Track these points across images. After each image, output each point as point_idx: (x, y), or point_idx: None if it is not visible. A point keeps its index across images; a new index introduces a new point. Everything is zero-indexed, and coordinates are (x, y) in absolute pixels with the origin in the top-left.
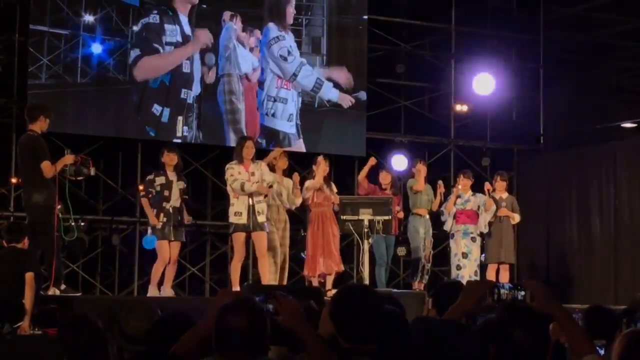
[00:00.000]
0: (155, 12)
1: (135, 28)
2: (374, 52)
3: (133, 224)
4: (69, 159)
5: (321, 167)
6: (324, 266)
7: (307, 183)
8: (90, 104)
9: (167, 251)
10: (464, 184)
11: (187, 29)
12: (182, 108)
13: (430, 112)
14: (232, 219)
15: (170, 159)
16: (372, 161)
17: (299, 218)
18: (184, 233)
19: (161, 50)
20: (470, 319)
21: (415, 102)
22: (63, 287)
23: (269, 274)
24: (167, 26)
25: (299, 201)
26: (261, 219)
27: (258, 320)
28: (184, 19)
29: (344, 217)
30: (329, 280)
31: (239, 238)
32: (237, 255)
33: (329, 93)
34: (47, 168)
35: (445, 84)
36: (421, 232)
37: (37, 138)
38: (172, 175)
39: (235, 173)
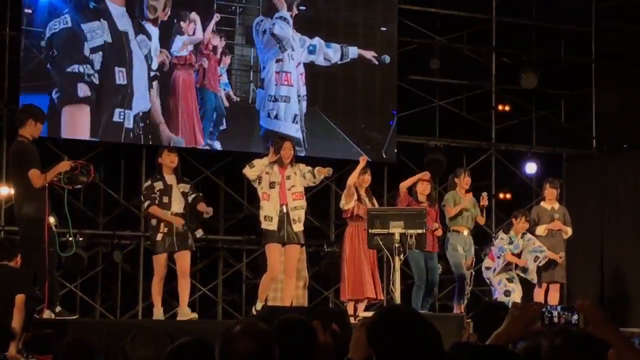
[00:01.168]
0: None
1: (43, 44)
2: (405, 46)
3: (137, 239)
4: (63, 166)
5: (365, 177)
6: (370, 290)
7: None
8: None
9: (164, 266)
10: (521, 226)
11: (123, 24)
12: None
13: (468, 113)
14: (263, 224)
15: (170, 160)
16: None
17: (319, 230)
18: (191, 241)
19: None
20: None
21: (452, 102)
22: (58, 309)
23: (299, 296)
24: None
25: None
26: (297, 227)
27: (266, 345)
28: (116, 10)
29: (372, 231)
30: (361, 306)
31: (273, 250)
32: (270, 271)
33: (350, 52)
34: (35, 177)
35: (485, 81)
36: (460, 250)
37: (25, 144)
38: (170, 179)
39: (263, 168)
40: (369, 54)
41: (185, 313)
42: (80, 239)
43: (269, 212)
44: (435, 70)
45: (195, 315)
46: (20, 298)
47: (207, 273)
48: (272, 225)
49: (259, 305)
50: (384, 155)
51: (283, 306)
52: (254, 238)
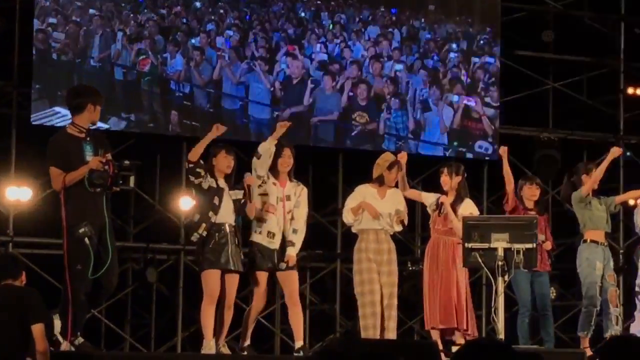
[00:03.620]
0: None
1: None
2: (510, 14)
3: (176, 253)
4: (93, 162)
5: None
6: (444, 319)
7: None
8: (118, 89)
9: (218, 284)
10: None
11: None
12: None
13: (589, 98)
14: (259, 238)
15: (228, 162)
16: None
17: (402, 245)
18: (241, 260)
19: None
20: None
21: (569, 84)
22: (80, 340)
23: (392, 330)
24: None
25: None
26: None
27: None
28: None
29: (469, 245)
30: (459, 336)
31: (257, 279)
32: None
33: None
34: (53, 176)
35: (611, 58)
36: (598, 267)
37: (61, 136)
38: (222, 183)
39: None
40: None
41: (211, 346)
42: None
43: (272, 228)
44: (548, 44)
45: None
46: (39, 329)
47: None
48: (274, 244)
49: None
50: (482, 150)
51: (364, 338)
52: (320, 253)
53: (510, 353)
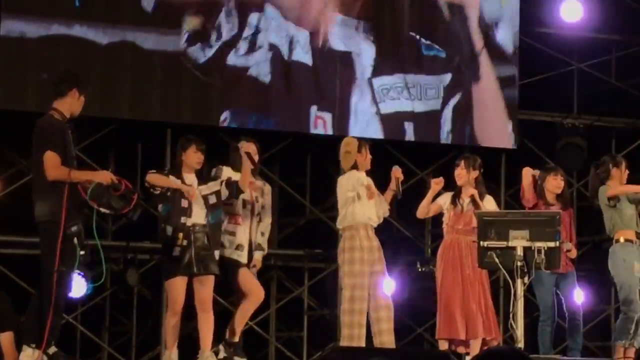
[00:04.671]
0: None
1: None
2: None
3: (159, 253)
4: (102, 175)
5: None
6: (462, 329)
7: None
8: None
9: (181, 294)
10: None
11: None
12: None
13: (619, 80)
14: (231, 252)
15: (198, 158)
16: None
17: (411, 243)
18: (215, 264)
19: None
20: None
21: (596, 64)
22: (52, 350)
23: (386, 333)
24: None
25: (386, 214)
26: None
27: None
28: None
29: (485, 244)
30: (475, 345)
31: (242, 274)
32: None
33: None
34: (51, 161)
35: None
36: (637, 268)
37: (53, 121)
38: (190, 179)
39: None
40: None
41: (207, 358)
42: (82, 253)
43: (241, 240)
44: (572, 20)
45: None
46: (8, 338)
47: None
48: (243, 257)
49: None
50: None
51: (361, 348)
52: (319, 253)
53: None
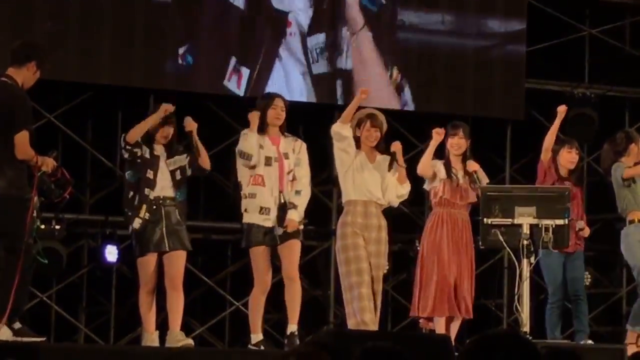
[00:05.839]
0: None
1: None
2: None
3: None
4: (47, 163)
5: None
6: (448, 307)
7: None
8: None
9: (154, 271)
10: None
11: None
12: None
13: (634, 47)
14: (249, 217)
15: (164, 132)
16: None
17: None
18: (186, 237)
19: None
20: None
21: (608, 30)
22: (18, 326)
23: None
24: None
25: (405, 190)
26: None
27: None
28: None
29: (489, 221)
30: (454, 328)
31: (256, 255)
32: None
33: None
34: (23, 144)
35: None
36: None
37: (19, 90)
38: (160, 150)
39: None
40: None
41: (175, 338)
42: (57, 227)
43: (265, 202)
44: None
45: (189, 342)
46: None
47: (238, 281)
48: (270, 220)
49: (254, 339)
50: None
51: (357, 330)
52: (311, 230)
53: (532, 348)
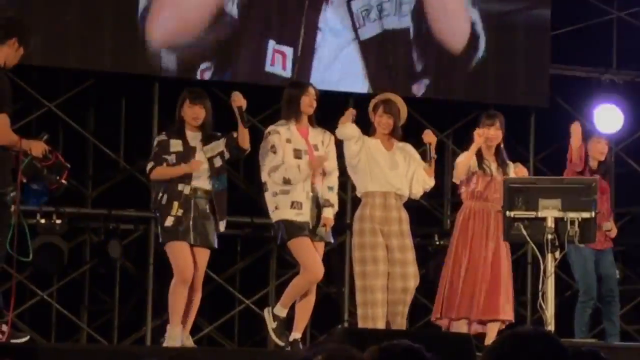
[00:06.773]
0: None
1: None
2: None
3: (145, 222)
4: (37, 147)
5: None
6: (483, 308)
7: (460, 158)
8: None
9: (190, 259)
10: None
11: None
12: None
13: None
14: (282, 213)
15: (193, 113)
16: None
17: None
18: (215, 236)
19: None
20: None
21: (637, 13)
22: (4, 328)
23: (400, 316)
24: None
25: (432, 183)
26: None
27: None
28: None
29: (512, 214)
30: (492, 329)
31: (309, 247)
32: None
33: None
34: (6, 126)
35: None
36: None
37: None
38: (193, 138)
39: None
40: None
41: (176, 334)
42: (58, 221)
43: (297, 196)
44: None
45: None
46: None
47: (251, 279)
48: (303, 216)
49: (282, 312)
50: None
51: (375, 329)
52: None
53: (559, 346)
